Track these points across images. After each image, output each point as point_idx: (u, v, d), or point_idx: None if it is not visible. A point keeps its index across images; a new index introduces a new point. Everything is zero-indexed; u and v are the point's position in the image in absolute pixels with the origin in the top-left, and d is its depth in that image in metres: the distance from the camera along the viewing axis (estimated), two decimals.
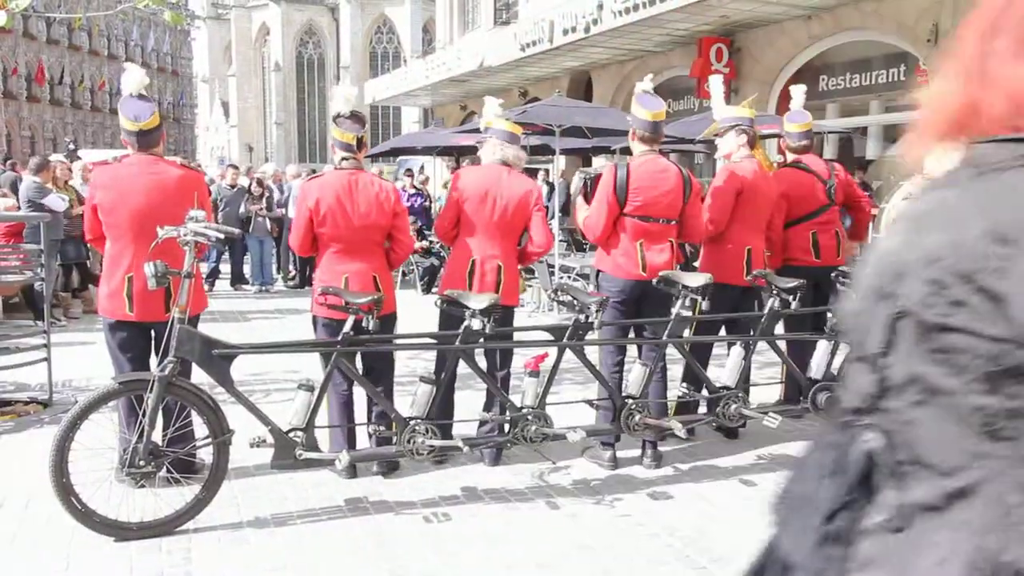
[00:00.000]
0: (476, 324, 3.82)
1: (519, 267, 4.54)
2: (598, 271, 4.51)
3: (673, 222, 4.40)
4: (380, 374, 4.19)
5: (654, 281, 4.32)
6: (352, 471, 4.07)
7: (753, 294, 4.93)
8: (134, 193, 3.82)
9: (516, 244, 4.42)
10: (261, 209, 11.35)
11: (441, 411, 4.34)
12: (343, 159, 4.13)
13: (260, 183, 11.77)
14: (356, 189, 4.05)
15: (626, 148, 5.02)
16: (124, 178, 3.86)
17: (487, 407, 4.33)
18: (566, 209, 12.67)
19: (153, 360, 3.97)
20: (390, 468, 4.18)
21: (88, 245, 7.08)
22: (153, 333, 3.97)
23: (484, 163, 4.45)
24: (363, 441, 4.24)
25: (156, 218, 3.72)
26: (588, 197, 4.56)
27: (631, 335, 4.50)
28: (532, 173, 16.28)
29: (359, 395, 4.21)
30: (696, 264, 5.42)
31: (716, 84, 5.03)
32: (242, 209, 11.28)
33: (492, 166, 4.37)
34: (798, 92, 5.27)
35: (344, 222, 4.03)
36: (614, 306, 4.28)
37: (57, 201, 8.25)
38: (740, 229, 4.70)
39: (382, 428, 3.96)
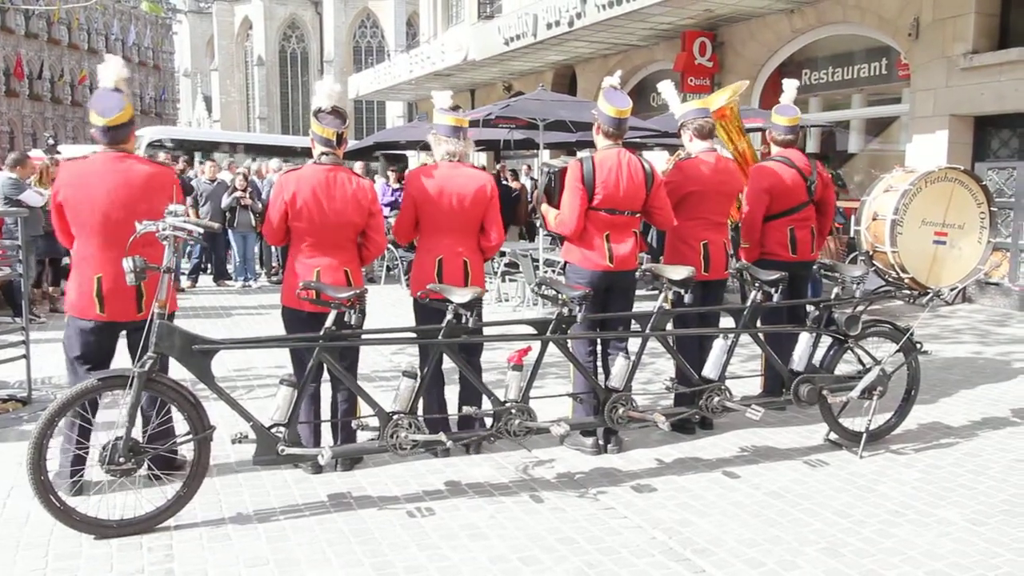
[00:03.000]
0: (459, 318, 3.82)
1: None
2: (565, 262, 4.57)
3: (637, 214, 4.49)
4: (350, 369, 4.18)
5: (637, 273, 4.38)
6: (318, 467, 4.06)
7: (718, 287, 4.96)
8: (100, 191, 3.70)
9: (476, 237, 4.44)
10: (244, 197, 11.23)
11: (434, 407, 4.36)
12: (322, 154, 4.10)
13: (244, 177, 11.68)
14: (333, 185, 4.03)
15: None
16: (89, 175, 3.74)
17: (465, 400, 4.33)
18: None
19: (119, 362, 3.89)
20: (353, 462, 4.18)
21: None
22: (124, 333, 3.88)
23: (436, 159, 4.45)
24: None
25: (124, 216, 3.65)
26: (552, 196, 4.59)
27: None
28: (515, 173, 16.28)
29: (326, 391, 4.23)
30: (660, 259, 5.48)
31: (667, 88, 5.06)
32: (225, 201, 11.19)
33: (442, 163, 4.39)
34: (790, 86, 5.31)
35: (319, 218, 4.01)
36: None
37: (34, 196, 8.15)
38: (694, 225, 4.75)
39: (367, 422, 3.94)
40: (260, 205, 11.62)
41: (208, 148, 17.71)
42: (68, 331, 3.84)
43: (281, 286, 4.29)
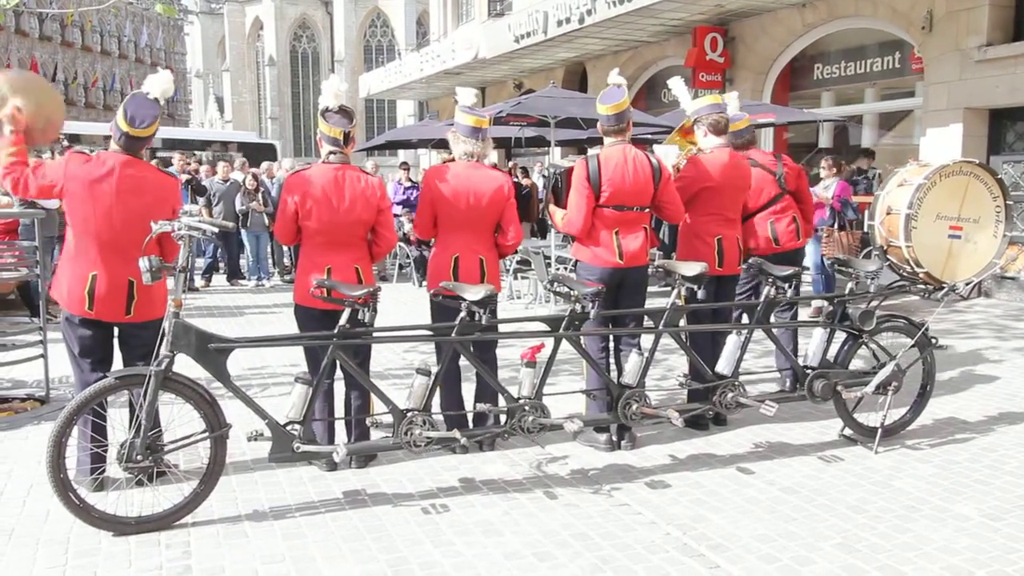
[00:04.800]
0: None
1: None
2: (576, 261, 4.60)
3: (646, 209, 4.50)
4: (362, 366, 4.20)
5: (649, 269, 4.38)
6: (332, 464, 4.09)
7: (732, 282, 4.97)
8: (110, 193, 3.69)
9: (493, 236, 4.47)
10: (259, 204, 11.35)
11: (452, 404, 4.39)
12: (330, 153, 4.13)
13: (255, 177, 11.75)
14: (342, 184, 4.05)
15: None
16: (101, 176, 3.70)
17: (479, 398, 4.35)
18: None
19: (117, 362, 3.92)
20: (367, 459, 4.19)
21: None
22: (116, 331, 3.90)
23: (455, 157, 4.48)
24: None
25: (131, 222, 3.67)
26: (560, 196, 4.61)
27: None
28: (525, 171, 16.30)
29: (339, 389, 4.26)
30: (672, 255, 5.51)
31: (677, 85, 5.10)
32: (241, 205, 11.28)
33: (460, 162, 4.41)
34: (733, 99, 5.40)
35: (329, 216, 4.03)
36: None
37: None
38: (708, 220, 4.78)
39: (381, 420, 3.96)
40: (272, 207, 11.69)
41: None
42: (62, 325, 3.87)
43: (294, 285, 4.31)
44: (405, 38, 48.70)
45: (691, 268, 4.21)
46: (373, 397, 4.02)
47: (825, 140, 13.32)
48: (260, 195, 11.47)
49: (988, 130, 10.31)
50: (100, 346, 3.88)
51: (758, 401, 4.27)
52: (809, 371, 4.43)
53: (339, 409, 4.33)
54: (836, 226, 8.93)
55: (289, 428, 3.62)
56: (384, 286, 4.55)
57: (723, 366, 4.32)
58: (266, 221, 11.45)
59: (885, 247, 4.74)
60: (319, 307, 4.03)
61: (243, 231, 11.42)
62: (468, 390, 4.54)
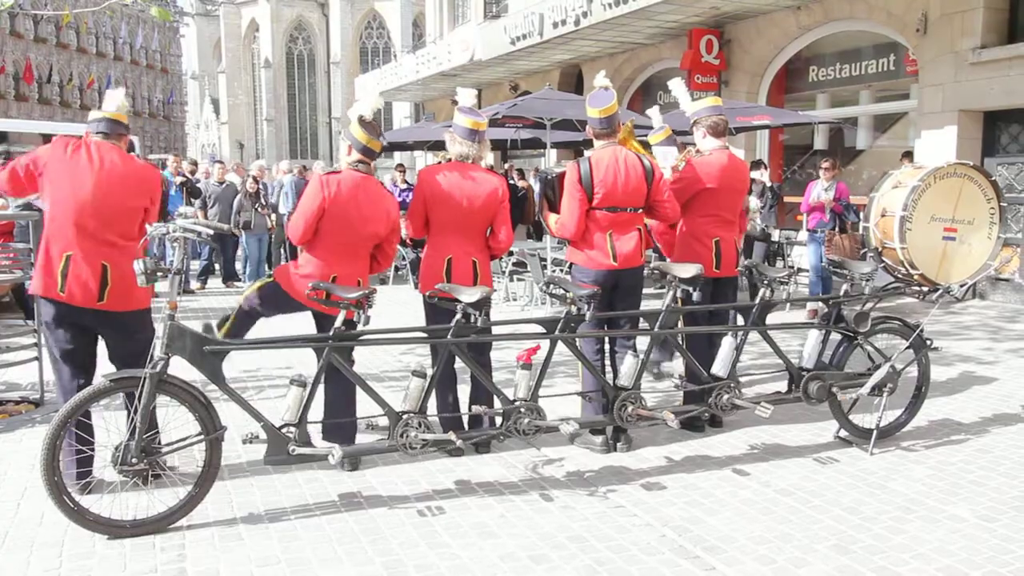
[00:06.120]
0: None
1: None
2: (571, 264, 4.62)
3: (640, 210, 4.50)
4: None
5: (645, 271, 4.40)
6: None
7: (729, 284, 4.97)
8: (90, 177, 3.69)
9: (485, 238, 4.49)
10: (263, 208, 11.35)
11: (448, 406, 4.39)
12: (359, 162, 4.14)
13: (256, 180, 11.72)
14: (368, 194, 4.10)
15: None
16: (79, 156, 3.73)
17: (476, 399, 4.35)
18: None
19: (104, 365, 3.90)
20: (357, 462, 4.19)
21: None
22: (96, 330, 3.86)
23: (451, 158, 4.48)
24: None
25: (111, 209, 3.69)
26: (553, 201, 4.61)
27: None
28: (521, 173, 16.28)
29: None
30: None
31: (677, 86, 5.13)
32: (240, 209, 11.24)
33: (455, 164, 4.41)
34: (655, 112, 5.51)
35: (347, 224, 4.06)
36: None
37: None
38: (706, 222, 4.78)
39: (377, 421, 3.96)
40: (271, 209, 11.67)
41: None
42: (45, 328, 3.84)
43: (290, 279, 4.17)
44: (401, 40, 48.69)
45: (686, 270, 4.21)
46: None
47: (820, 142, 13.35)
48: (262, 197, 11.46)
49: (982, 132, 10.34)
50: (81, 349, 3.82)
51: (754, 403, 4.28)
52: (805, 373, 4.43)
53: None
54: (838, 229, 8.92)
55: (284, 431, 3.62)
56: (381, 288, 4.54)
57: (719, 368, 4.33)
58: (268, 223, 11.43)
59: (880, 249, 4.76)
60: (316, 308, 4.03)
61: (244, 234, 11.34)
62: (464, 392, 4.54)
